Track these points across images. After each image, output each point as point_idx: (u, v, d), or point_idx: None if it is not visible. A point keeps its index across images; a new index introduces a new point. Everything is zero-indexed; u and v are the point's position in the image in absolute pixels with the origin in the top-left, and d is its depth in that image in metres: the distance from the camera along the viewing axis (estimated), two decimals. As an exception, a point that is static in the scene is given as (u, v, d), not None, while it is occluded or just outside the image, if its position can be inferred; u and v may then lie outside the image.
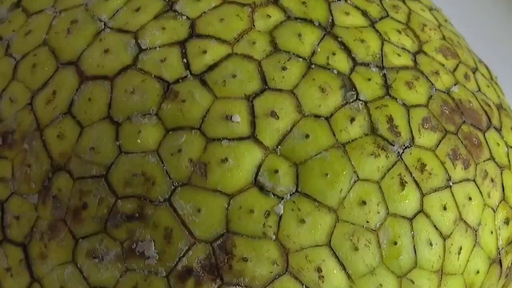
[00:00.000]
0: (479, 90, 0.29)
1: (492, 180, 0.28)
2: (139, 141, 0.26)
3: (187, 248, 0.25)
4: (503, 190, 0.28)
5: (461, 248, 0.27)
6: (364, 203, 0.26)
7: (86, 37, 0.28)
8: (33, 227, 0.27)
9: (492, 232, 0.27)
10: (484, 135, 0.28)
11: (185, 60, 0.27)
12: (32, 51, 0.28)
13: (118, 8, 0.28)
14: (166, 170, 0.26)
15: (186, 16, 0.27)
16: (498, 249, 0.28)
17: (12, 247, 0.27)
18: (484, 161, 0.28)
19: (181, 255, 0.25)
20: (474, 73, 0.30)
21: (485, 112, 0.29)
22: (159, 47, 0.27)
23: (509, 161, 0.29)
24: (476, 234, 0.27)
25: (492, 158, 0.28)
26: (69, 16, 0.28)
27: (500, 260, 0.28)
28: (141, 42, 0.27)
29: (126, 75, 0.27)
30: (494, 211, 0.28)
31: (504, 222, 0.28)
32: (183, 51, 0.27)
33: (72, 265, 0.26)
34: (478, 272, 0.27)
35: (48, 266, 0.26)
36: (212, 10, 0.28)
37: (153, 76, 0.27)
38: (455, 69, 0.29)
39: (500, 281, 0.28)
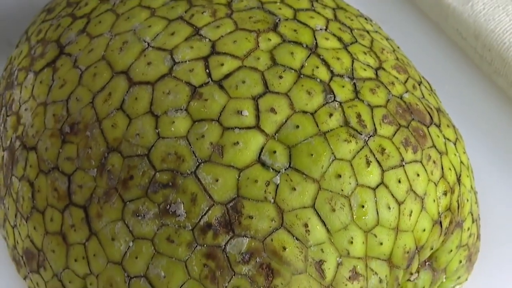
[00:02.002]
0: (423, 97, 0.29)
1: (434, 162, 0.27)
2: (172, 129, 0.25)
3: (207, 208, 0.24)
4: (442, 170, 0.27)
5: (411, 212, 0.26)
6: (339, 176, 0.25)
7: (134, 54, 0.27)
8: (92, 194, 0.26)
9: (434, 201, 0.26)
10: (427, 129, 0.27)
11: (207, 70, 0.26)
12: (93, 64, 0.27)
13: (158, 32, 0.27)
14: (192, 151, 0.25)
15: (209, 39, 0.27)
16: (439, 213, 0.27)
17: (76, 209, 0.26)
18: (428, 147, 0.27)
19: (203, 213, 0.24)
20: (419, 85, 0.29)
21: (428, 112, 0.28)
22: (188, 61, 0.26)
23: (446, 149, 0.28)
24: (422, 202, 0.26)
25: (434, 146, 0.27)
26: (122, 38, 0.27)
27: (440, 222, 0.27)
28: (175, 57, 0.26)
29: (163, 81, 0.26)
30: (436, 185, 0.27)
31: (443, 194, 0.27)
32: (206, 64, 0.26)
33: (121, 222, 0.25)
34: (424, 230, 0.26)
35: (103, 223, 0.26)
36: (227, 34, 0.27)
37: (183, 81, 0.26)
38: (405, 81, 0.28)
39: (441, 238, 0.27)
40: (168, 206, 0.25)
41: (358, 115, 0.26)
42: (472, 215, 0.29)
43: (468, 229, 0.28)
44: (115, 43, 0.27)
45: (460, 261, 0.29)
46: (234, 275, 0.24)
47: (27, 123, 0.28)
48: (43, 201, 0.27)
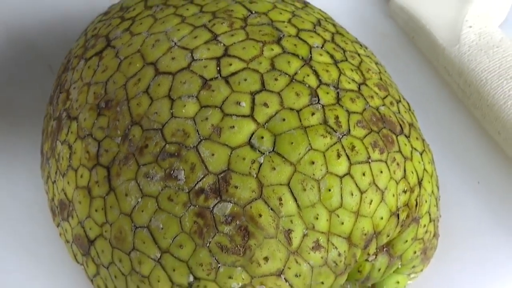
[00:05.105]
0: (399, 112, 0.30)
1: (398, 164, 0.28)
2: (183, 111, 0.27)
3: (202, 176, 0.26)
4: (405, 172, 0.28)
5: (372, 201, 0.27)
6: (313, 163, 0.26)
7: (163, 50, 0.29)
8: (115, 157, 0.28)
9: (394, 195, 0.28)
10: (396, 137, 0.29)
11: (218, 68, 0.28)
12: (130, 55, 0.30)
13: (184, 35, 0.30)
14: (197, 130, 0.27)
15: (223, 44, 0.29)
16: (397, 207, 0.28)
17: (101, 169, 0.28)
18: (394, 152, 0.28)
19: (199, 180, 0.26)
20: (397, 103, 0.31)
21: (400, 125, 0.30)
22: (204, 59, 0.28)
23: (411, 156, 0.29)
24: (383, 194, 0.27)
25: (400, 151, 0.29)
26: (155, 37, 0.30)
27: (398, 214, 0.28)
28: (194, 55, 0.29)
29: (182, 73, 0.28)
30: (397, 183, 0.28)
31: (403, 191, 0.28)
32: (218, 63, 0.28)
33: (134, 181, 0.27)
34: (382, 218, 0.28)
35: (120, 181, 0.28)
36: (239, 42, 0.29)
37: (198, 75, 0.28)
38: (384, 97, 0.30)
39: (397, 228, 0.29)
40: (172, 171, 0.27)
41: (336, 117, 0.28)
42: (430, 215, 0.30)
43: (425, 226, 0.30)
44: (149, 41, 0.30)
45: (415, 252, 0.30)
46: (217, 232, 0.26)
47: (73, 98, 0.31)
48: (77, 161, 0.30)
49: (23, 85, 0.39)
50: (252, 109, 0.27)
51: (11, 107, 0.39)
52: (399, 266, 0.30)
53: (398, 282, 0.31)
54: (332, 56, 0.30)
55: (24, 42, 0.41)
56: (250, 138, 0.27)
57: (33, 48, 0.41)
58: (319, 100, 0.28)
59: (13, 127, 0.38)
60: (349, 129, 0.28)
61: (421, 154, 0.30)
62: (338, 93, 0.29)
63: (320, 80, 0.29)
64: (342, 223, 0.27)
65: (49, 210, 0.33)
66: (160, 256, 0.27)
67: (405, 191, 0.29)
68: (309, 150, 0.27)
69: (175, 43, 0.29)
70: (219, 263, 0.26)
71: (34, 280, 0.34)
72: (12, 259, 0.34)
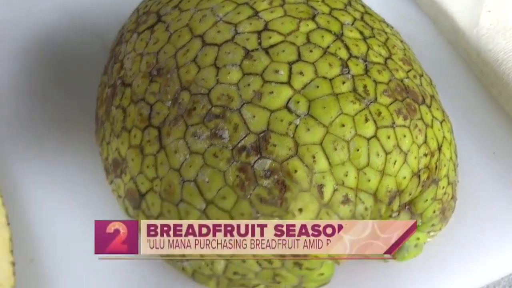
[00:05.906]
0: (421, 85, 0.32)
1: (419, 130, 0.30)
2: (228, 78, 0.29)
3: (245, 135, 0.28)
4: (426, 137, 0.30)
5: (395, 161, 0.29)
6: (343, 125, 0.29)
7: (209, 24, 0.31)
8: (165, 118, 0.30)
9: (415, 158, 0.30)
10: (419, 106, 0.31)
11: (259, 40, 0.30)
12: (180, 29, 0.32)
13: (228, 11, 0.32)
14: (240, 94, 0.29)
15: (264, 19, 0.31)
16: (419, 168, 0.30)
17: (153, 129, 0.31)
18: (417, 119, 0.30)
19: (241, 139, 0.28)
20: (420, 77, 0.33)
21: (422, 96, 0.32)
22: (247, 32, 0.31)
23: (432, 124, 0.31)
24: (406, 156, 0.30)
25: (421, 119, 0.31)
26: (202, 13, 0.32)
27: (419, 175, 0.30)
28: (237, 29, 0.31)
29: (227, 44, 0.30)
30: (419, 147, 0.30)
31: (424, 155, 0.30)
32: (259, 36, 0.30)
33: (182, 140, 0.29)
34: (404, 177, 0.30)
35: (170, 140, 0.30)
36: (278, 18, 0.31)
37: (241, 46, 0.30)
38: (408, 71, 0.32)
39: (418, 188, 0.31)
40: (217, 131, 0.29)
41: (365, 86, 0.30)
42: (448, 178, 0.32)
43: (443, 187, 0.32)
44: (197, 16, 0.32)
45: (434, 211, 0.32)
46: (257, 186, 0.28)
47: (127, 68, 0.33)
48: (131, 123, 0.32)
49: (80, 59, 0.42)
50: (289, 77, 0.29)
51: (68, 79, 0.42)
52: (420, 224, 0.33)
53: (418, 239, 0.33)
54: (361, 33, 0.32)
55: (82, 23, 0.44)
56: (287, 102, 0.29)
57: (90, 27, 0.44)
58: (349, 70, 0.30)
59: (70, 96, 0.41)
60: (376, 97, 0.30)
61: (441, 123, 0.32)
62: (366, 65, 0.31)
63: (350, 53, 0.31)
64: (369, 180, 0.29)
65: (103, 169, 0.35)
66: (205, 207, 0.29)
67: (426, 155, 0.31)
68: (340, 114, 0.29)
69: (220, 18, 0.32)
70: (258, 213, 0.28)
71: (88, 231, 0.36)
72: (70, 214, 0.37)
